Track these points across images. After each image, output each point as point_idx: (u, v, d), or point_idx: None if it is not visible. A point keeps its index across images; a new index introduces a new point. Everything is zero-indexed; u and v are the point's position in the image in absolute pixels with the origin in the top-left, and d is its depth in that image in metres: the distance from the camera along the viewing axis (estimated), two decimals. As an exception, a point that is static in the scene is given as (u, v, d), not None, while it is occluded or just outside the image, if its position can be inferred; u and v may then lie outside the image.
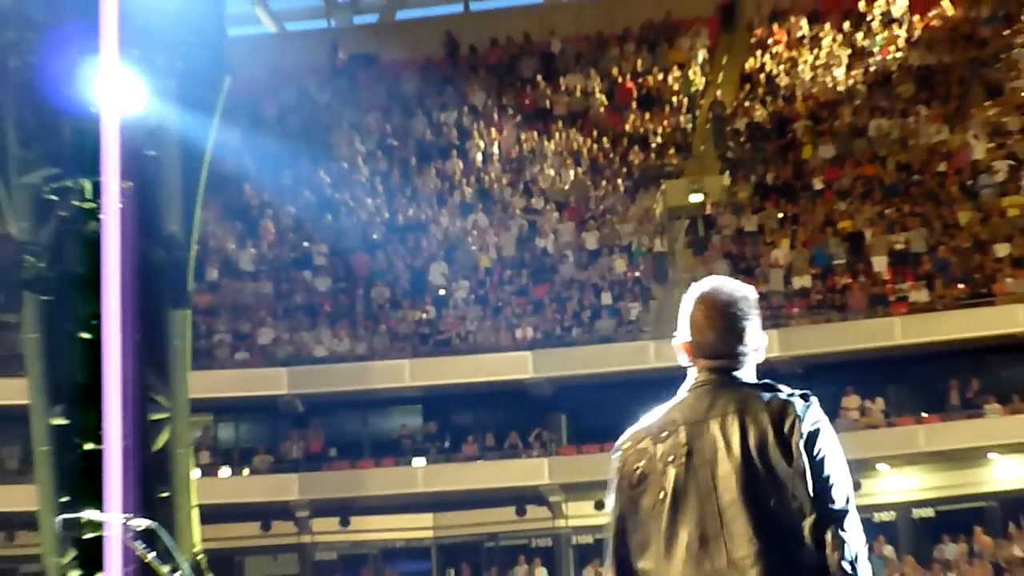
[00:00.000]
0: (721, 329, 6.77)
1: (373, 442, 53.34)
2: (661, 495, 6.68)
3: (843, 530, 6.54)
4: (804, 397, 6.71)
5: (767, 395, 6.67)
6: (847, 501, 6.53)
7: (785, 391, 6.85)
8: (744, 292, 6.96)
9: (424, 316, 53.28)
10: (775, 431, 6.62)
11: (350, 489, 50.73)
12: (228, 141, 35.47)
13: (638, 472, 6.75)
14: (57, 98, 23.27)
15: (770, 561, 6.50)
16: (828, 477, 6.55)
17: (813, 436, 6.59)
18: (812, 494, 6.56)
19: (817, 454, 6.59)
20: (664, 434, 6.73)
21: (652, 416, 6.96)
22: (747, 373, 6.78)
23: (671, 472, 6.68)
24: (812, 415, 6.65)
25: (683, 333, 6.79)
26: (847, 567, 6.41)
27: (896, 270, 50.79)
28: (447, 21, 66.14)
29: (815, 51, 59.94)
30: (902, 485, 48.51)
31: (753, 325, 6.85)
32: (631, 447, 6.93)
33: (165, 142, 25.18)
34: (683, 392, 6.84)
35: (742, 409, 6.60)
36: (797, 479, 6.54)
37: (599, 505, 47.50)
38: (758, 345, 6.82)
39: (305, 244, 56.15)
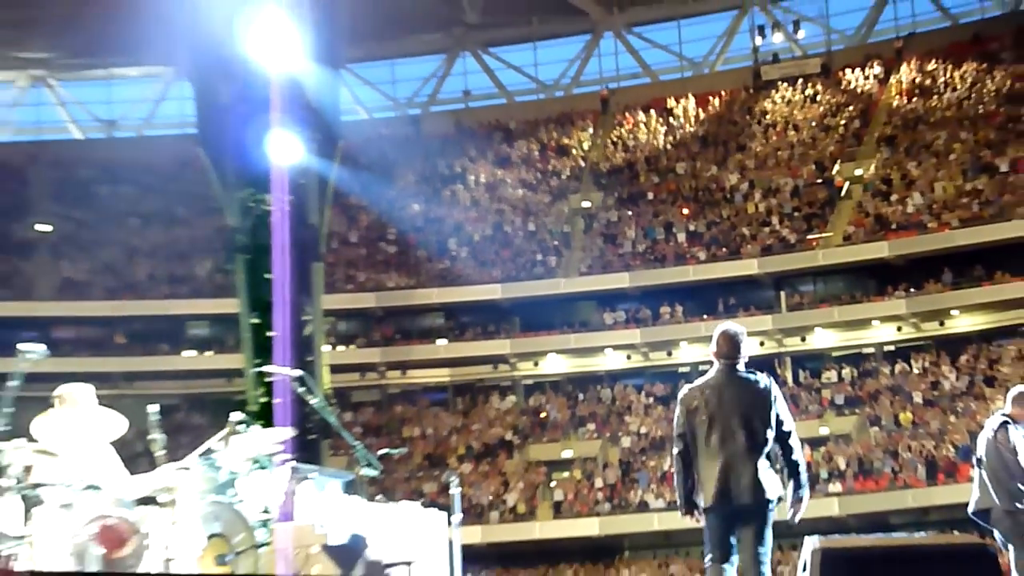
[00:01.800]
0: (731, 346, 11.66)
1: (419, 331, 65.34)
2: (704, 417, 11.56)
3: (792, 441, 11.68)
4: (768, 377, 11.85)
5: (752, 376, 11.66)
6: (792, 428, 11.64)
7: (760, 375, 11.89)
8: (740, 330, 11.90)
9: (447, 266, 65.23)
10: (756, 392, 11.60)
11: (419, 355, 64.39)
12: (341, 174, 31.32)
13: (694, 405, 11.63)
14: (253, 147, 24.70)
15: (752, 450, 11.48)
16: (783, 418, 11.58)
17: (775, 396, 11.65)
18: (774, 424, 11.53)
19: (777, 404, 11.58)
20: (707, 390, 11.58)
21: (699, 381, 11.83)
22: (741, 366, 11.64)
23: (710, 407, 11.53)
24: (773, 386, 11.68)
25: (713, 347, 11.74)
26: (796, 457, 11.66)
27: (690, 241, 63.94)
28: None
29: (646, 127, 71.16)
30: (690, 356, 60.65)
31: (745, 344, 11.73)
32: (690, 393, 11.80)
33: (309, 175, 26.39)
34: (712, 373, 11.75)
35: (741, 381, 11.56)
36: (768, 415, 11.50)
37: (536, 363, 63.70)
38: (747, 354, 11.68)
39: (386, 226, 67.55)
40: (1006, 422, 13.48)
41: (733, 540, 11.53)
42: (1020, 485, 13.42)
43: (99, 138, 72.69)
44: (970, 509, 13.83)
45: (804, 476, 11.65)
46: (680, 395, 11.80)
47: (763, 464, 11.44)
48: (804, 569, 13.48)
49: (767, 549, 11.58)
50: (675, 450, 11.65)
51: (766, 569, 11.61)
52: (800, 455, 11.67)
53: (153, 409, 12.94)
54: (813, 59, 69.71)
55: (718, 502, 11.39)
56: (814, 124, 67.40)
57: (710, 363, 11.71)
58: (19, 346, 11.71)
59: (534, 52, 73.49)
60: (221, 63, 25.70)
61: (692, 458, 11.62)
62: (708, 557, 11.63)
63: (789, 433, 11.56)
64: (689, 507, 11.64)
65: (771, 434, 11.50)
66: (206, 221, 57.14)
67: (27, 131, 73.08)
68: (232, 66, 25.48)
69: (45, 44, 69.28)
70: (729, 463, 11.43)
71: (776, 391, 11.61)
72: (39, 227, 67.38)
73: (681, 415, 11.69)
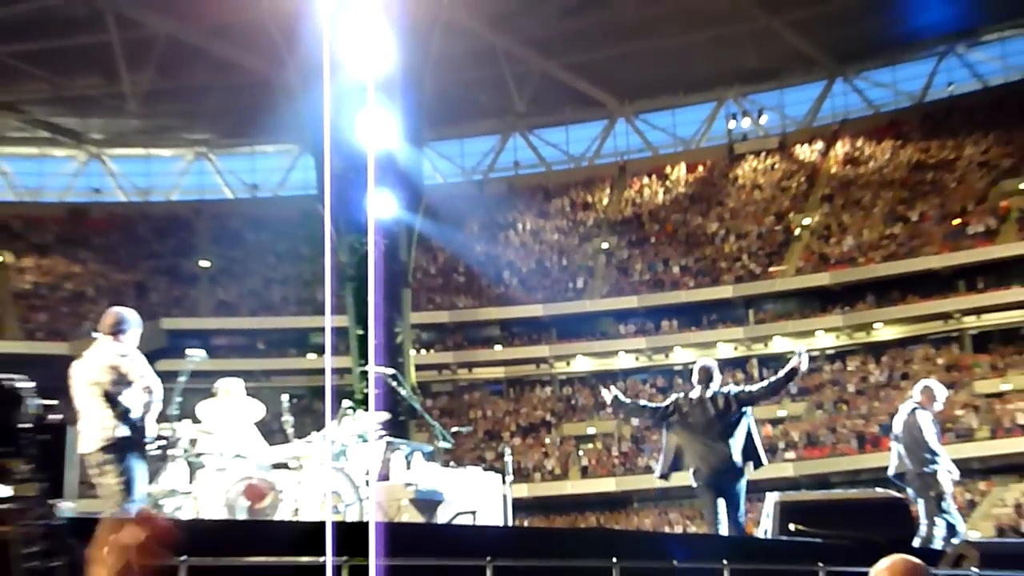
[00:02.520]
0: (705, 374, 12.52)
1: (481, 339, 64.87)
2: (690, 419, 12.28)
3: (754, 433, 12.28)
4: (734, 386, 12.49)
5: (722, 388, 12.32)
6: (752, 421, 12.29)
7: (727, 386, 12.53)
8: (712, 364, 12.60)
9: (502, 291, 64.78)
10: (723, 399, 12.27)
11: (481, 357, 64.24)
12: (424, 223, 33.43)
13: (679, 407, 12.36)
14: (358, 204, 25.04)
15: (725, 441, 12.13)
16: (742, 396, 12.34)
17: (737, 402, 12.32)
18: (735, 407, 12.21)
19: (743, 410, 12.34)
20: (689, 397, 12.37)
21: (683, 390, 12.66)
22: (715, 385, 12.39)
23: (690, 409, 12.30)
24: (736, 394, 12.27)
25: (695, 375, 12.50)
26: (760, 452, 12.34)
27: (682, 272, 64.75)
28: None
29: (650, 188, 69.90)
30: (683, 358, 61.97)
31: (716, 374, 12.52)
32: (676, 399, 12.51)
33: (400, 224, 27.99)
34: (693, 387, 12.55)
35: (714, 394, 12.28)
36: (733, 416, 12.19)
37: (568, 363, 63.61)
38: (716, 379, 12.40)
39: (457, 262, 66.82)
40: (915, 408, 13.87)
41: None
42: (926, 455, 13.56)
43: (245, 197, 72.84)
44: (890, 472, 14.07)
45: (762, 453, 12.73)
46: (666, 403, 12.84)
47: (732, 443, 12.40)
48: (768, 516, 13.55)
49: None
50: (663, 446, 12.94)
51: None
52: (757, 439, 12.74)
53: (285, 398, 13.09)
54: (772, 138, 69.29)
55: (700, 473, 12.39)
56: (773, 186, 67.03)
57: (694, 375, 12.74)
58: (187, 351, 11.82)
59: (566, 133, 73.19)
60: (336, 143, 24.96)
61: (676, 454, 12.70)
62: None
63: (750, 427, 12.62)
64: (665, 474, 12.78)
65: (733, 419, 12.48)
66: (323, 258, 56.42)
67: (192, 192, 73.17)
68: (344, 145, 24.72)
69: (206, 128, 69.68)
70: (708, 451, 12.39)
71: (734, 390, 12.66)
72: (202, 263, 67.80)
73: (672, 406, 12.67)
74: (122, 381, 9.99)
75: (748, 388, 12.86)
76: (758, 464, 12.60)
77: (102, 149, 70.80)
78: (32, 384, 7.34)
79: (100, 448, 9.87)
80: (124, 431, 9.92)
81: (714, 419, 12.40)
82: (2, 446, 6.95)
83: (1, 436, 7.02)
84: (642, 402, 14.17)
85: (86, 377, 10.05)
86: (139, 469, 10.05)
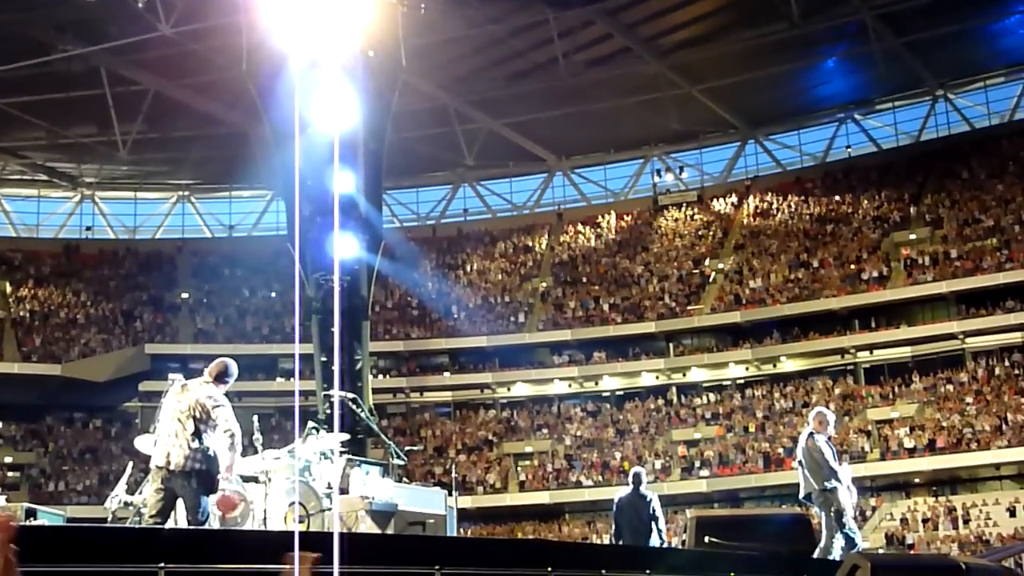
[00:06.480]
0: (636, 481, 14.56)
1: (432, 367, 63.98)
2: (624, 515, 14.47)
3: (661, 524, 14.14)
4: (652, 493, 14.58)
5: (646, 495, 14.17)
6: (661, 518, 14.01)
7: (650, 494, 14.56)
8: (642, 471, 14.43)
9: (451, 323, 63.66)
10: (647, 504, 14.28)
11: (431, 382, 63.09)
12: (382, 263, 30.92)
13: (621, 507, 14.35)
14: (324, 245, 25.16)
15: (642, 533, 14.18)
16: (658, 514, 14.12)
17: (654, 503, 14.26)
18: (657, 516, 14.10)
19: (655, 506, 14.12)
20: (625, 502, 14.43)
21: (622, 494, 14.64)
22: (642, 490, 14.18)
23: (627, 511, 14.48)
24: (655, 498, 14.15)
25: (631, 479, 14.49)
26: (661, 527, 14.28)
27: (610, 309, 64.83)
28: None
29: (583, 235, 69.30)
30: (610, 385, 62.67)
31: (643, 477, 14.64)
32: (619, 501, 14.46)
33: (361, 263, 26.77)
34: (628, 492, 14.36)
35: (641, 499, 14.30)
36: (652, 515, 14.22)
37: (508, 389, 64.28)
38: (645, 482, 14.74)
39: (411, 297, 65.74)
40: (811, 433, 13.89)
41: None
42: (826, 473, 13.58)
43: (223, 236, 72.31)
44: (800, 495, 14.09)
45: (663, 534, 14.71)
46: (615, 499, 14.75)
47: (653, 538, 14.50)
48: (685, 530, 13.67)
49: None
50: (612, 524, 14.92)
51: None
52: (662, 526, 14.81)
53: (255, 418, 12.97)
54: (692, 192, 69.35)
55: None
56: (692, 234, 67.06)
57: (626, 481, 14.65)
58: (170, 375, 11.72)
59: (510, 184, 73.02)
60: (304, 189, 25.56)
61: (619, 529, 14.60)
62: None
63: (659, 519, 14.55)
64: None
65: (655, 523, 14.37)
66: (292, 292, 56.95)
67: (175, 231, 72.51)
68: (312, 191, 25.44)
69: (188, 174, 69.41)
70: (636, 532, 14.14)
71: (656, 501, 14.59)
72: (182, 295, 67.50)
73: (617, 511, 14.60)
74: (207, 421, 10.11)
75: (658, 513, 14.80)
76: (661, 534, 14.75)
77: (94, 191, 70.46)
78: None
79: (176, 470, 9.99)
80: (199, 464, 10.02)
81: (640, 516, 14.57)
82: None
83: None
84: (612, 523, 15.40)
85: (180, 405, 10.19)
86: (187, 496, 10.09)
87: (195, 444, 9.96)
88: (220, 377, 10.44)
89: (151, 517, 9.97)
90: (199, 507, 9.91)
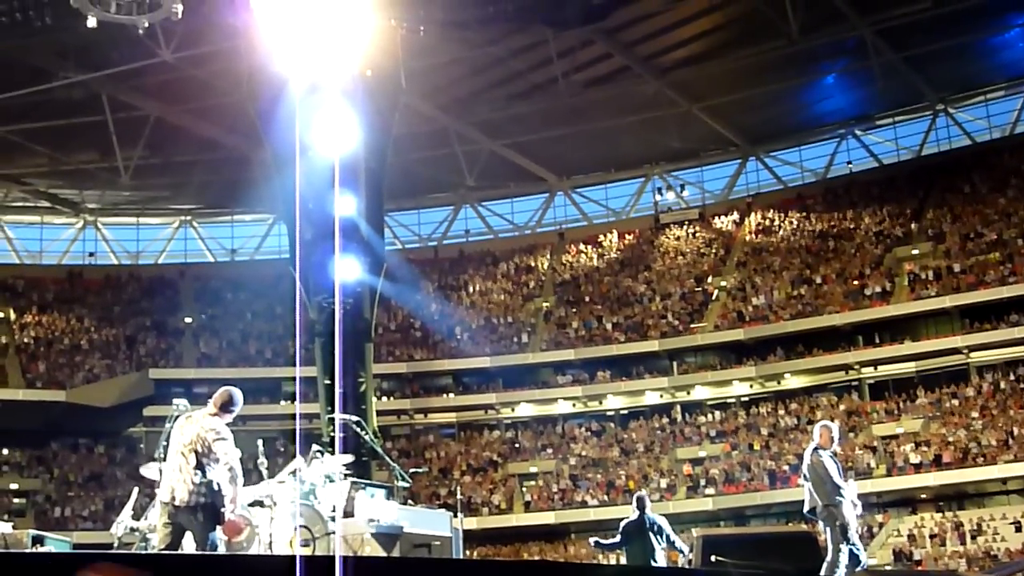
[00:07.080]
0: (640, 504, 14.85)
1: (436, 388, 63.49)
2: (630, 538, 14.85)
3: (672, 538, 14.32)
4: (661, 517, 14.64)
5: (653, 518, 14.13)
6: (670, 533, 14.18)
7: (658, 517, 14.92)
8: (645, 495, 14.92)
9: (454, 344, 63.30)
10: (654, 526, 14.22)
11: (435, 403, 63.44)
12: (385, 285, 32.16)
13: (627, 531, 14.64)
14: (326, 268, 25.65)
15: (649, 553, 14.56)
16: (667, 532, 14.16)
17: (662, 523, 14.42)
18: (664, 537, 14.46)
19: (665, 526, 14.28)
20: (631, 526, 14.83)
21: (630, 519, 14.97)
22: (648, 514, 14.42)
23: (632, 534, 14.58)
24: (665, 524, 14.33)
25: (634, 503, 15.03)
26: (675, 543, 15.09)
27: (613, 328, 64.00)
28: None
29: (585, 254, 69.20)
30: (615, 404, 61.66)
31: (648, 503, 15.00)
32: (624, 527, 14.59)
33: (363, 285, 27.49)
34: (634, 516, 14.65)
35: (648, 522, 14.25)
36: (660, 536, 14.63)
37: (513, 409, 65.01)
38: (650, 507, 15.26)
39: (414, 319, 65.66)
40: (816, 448, 13.80)
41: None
42: (831, 489, 13.53)
43: (225, 261, 72.27)
44: (804, 510, 13.99)
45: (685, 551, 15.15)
46: (621, 525, 15.20)
47: (659, 555, 14.78)
48: (691, 550, 13.57)
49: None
50: (617, 539, 15.39)
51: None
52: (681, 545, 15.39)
53: (259, 442, 12.95)
54: (693, 210, 69.24)
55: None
56: (694, 252, 66.99)
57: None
58: (174, 400, 11.72)
59: (511, 204, 72.96)
60: (306, 212, 25.87)
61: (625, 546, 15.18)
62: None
63: (669, 537, 14.96)
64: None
65: (663, 543, 14.93)
66: (295, 316, 56.63)
67: (178, 256, 72.47)
68: (313, 214, 25.95)
69: (190, 198, 69.37)
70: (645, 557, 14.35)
71: (664, 523, 15.15)
72: (186, 319, 67.57)
73: (622, 532, 14.97)
74: (208, 455, 10.06)
75: (668, 531, 15.32)
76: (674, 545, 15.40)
77: (97, 217, 70.41)
78: None
79: (182, 505, 9.96)
80: (203, 498, 9.96)
81: (645, 539, 14.94)
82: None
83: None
84: (617, 539, 15.84)
85: (184, 439, 10.16)
86: (196, 531, 10.04)
87: (198, 479, 9.92)
88: (224, 407, 10.41)
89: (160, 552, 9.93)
90: (207, 541, 9.88)
